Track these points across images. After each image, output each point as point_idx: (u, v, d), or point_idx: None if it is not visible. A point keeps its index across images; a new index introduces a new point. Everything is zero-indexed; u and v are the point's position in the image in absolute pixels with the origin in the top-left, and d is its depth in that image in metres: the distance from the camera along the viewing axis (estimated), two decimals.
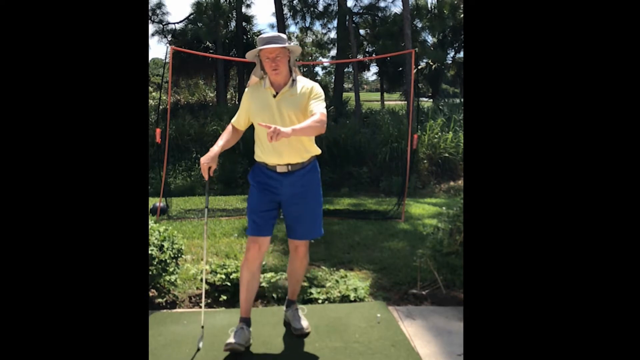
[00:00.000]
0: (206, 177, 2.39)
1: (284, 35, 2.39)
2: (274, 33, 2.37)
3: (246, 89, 2.51)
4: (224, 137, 2.50)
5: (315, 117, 2.26)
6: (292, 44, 2.41)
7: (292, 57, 2.41)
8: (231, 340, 2.36)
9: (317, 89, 2.42)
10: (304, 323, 2.61)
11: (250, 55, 2.41)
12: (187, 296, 3.13)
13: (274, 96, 2.38)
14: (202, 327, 2.51)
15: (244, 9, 16.44)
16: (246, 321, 2.48)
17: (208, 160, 2.36)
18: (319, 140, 2.55)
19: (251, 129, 2.59)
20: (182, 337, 2.54)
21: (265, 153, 2.44)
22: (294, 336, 2.58)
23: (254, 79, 2.47)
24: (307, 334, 2.57)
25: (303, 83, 2.43)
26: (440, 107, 12.55)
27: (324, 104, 2.40)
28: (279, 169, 2.43)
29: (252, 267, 2.46)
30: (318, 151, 2.52)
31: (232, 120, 2.56)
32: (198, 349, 2.42)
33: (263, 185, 2.47)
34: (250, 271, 2.46)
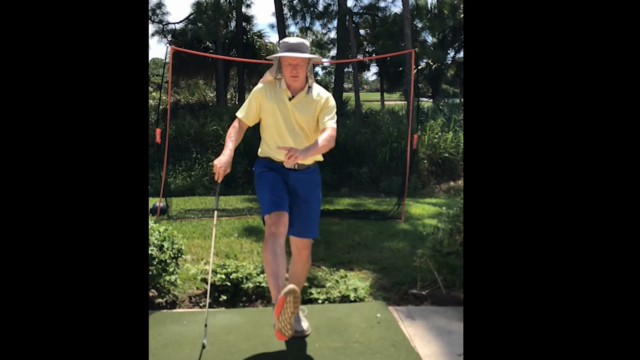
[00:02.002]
0: (220, 180, 2.41)
1: (307, 43, 2.42)
2: (298, 40, 2.40)
3: (259, 85, 2.52)
4: (233, 136, 2.47)
5: (325, 134, 2.38)
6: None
7: (311, 65, 2.47)
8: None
9: (332, 101, 2.50)
10: (304, 325, 2.61)
11: (271, 57, 2.46)
12: (187, 296, 3.13)
13: (290, 99, 2.44)
14: (206, 325, 2.51)
15: (244, 9, 16.42)
16: None
17: (224, 164, 2.36)
18: None
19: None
20: (182, 337, 2.54)
21: (273, 150, 2.50)
22: (294, 336, 2.58)
23: (268, 76, 2.51)
24: (307, 336, 2.58)
25: (318, 91, 2.50)
26: (440, 107, 12.53)
27: (335, 118, 2.51)
28: (286, 165, 2.47)
29: (278, 239, 2.28)
30: (321, 158, 2.60)
31: (240, 116, 2.53)
32: (204, 346, 2.42)
33: (274, 171, 2.51)
34: (274, 245, 2.25)
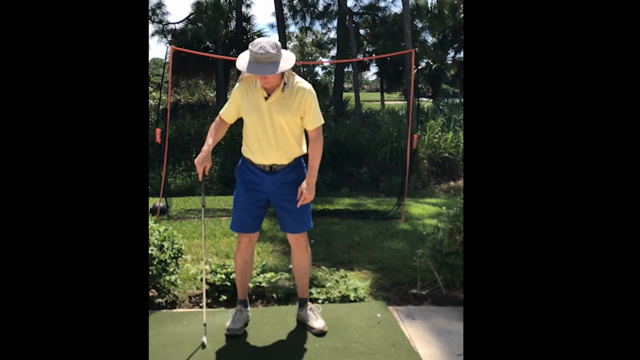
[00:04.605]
0: (200, 178, 2.43)
1: (275, 45, 2.23)
2: (265, 47, 2.20)
3: (238, 83, 2.48)
4: (213, 133, 2.51)
5: (313, 145, 2.44)
6: (286, 52, 2.31)
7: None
8: (230, 326, 2.57)
9: (312, 96, 2.40)
10: (321, 322, 2.62)
11: (240, 64, 2.29)
12: (187, 296, 3.13)
13: (266, 99, 2.37)
14: (205, 324, 2.52)
15: (244, 9, 16.42)
16: (243, 302, 2.72)
17: (202, 161, 2.39)
18: None
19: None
20: (182, 337, 2.54)
21: (252, 151, 2.49)
22: (294, 336, 2.58)
23: (245, 73, 2.41)
24: (324, 333, 2.58)
25: (296, 87, 2.39)
26: (440, 107, 12.56)
27: (319, 114, 2.44)
28: (265, 169, 2.48)
29: (245, 256, 2.64)
30: (303, 152, 2.56)
31: (221, 113, 2.53)
32: (204, 346, 2.43)
33: (248, 184, 2.52)
34: (243, 260, 2.65)
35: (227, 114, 2.52)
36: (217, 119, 2.54)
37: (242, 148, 2.55)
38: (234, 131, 8.40)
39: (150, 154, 6.93)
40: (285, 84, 2.36)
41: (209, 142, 2.45)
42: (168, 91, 7.62)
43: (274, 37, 2.37)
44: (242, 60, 2.30)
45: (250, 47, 2.26)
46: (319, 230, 4.76)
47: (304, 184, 2.44)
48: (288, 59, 2.29)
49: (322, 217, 5.42)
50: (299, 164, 2.54)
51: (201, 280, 3.25)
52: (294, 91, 2.38)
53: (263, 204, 2.56)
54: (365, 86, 46.38)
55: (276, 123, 2.39)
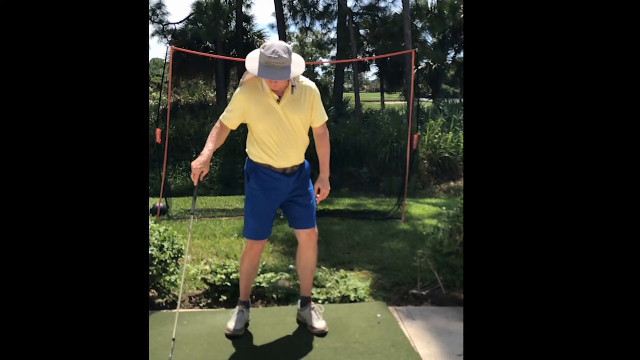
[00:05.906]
0: (196, 182, 2.31)
1: (287, 49, 2.22)
2: (278, 52, 2.19)
3: (241, 88, 2.42)
4: (215, 138, 2.41)
5: (322, 142, 2.54)
6: (296, 56, 2.32)
7: None
8: (232, 326, 2.57)
9: (315, 94, 2.46)
10: (322, 323, 2.62)
11: (250, 67, 2.25)
12: (187, 296, 3.13)
13: (278, 101, 2.36)
14: (174, 339, 2.31)
15: (244, 9, 16.42)
16: (246, 304, 2.71)
17: (201, 165, 2.29)
18: None
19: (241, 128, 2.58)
20: (182, 337, 2.54)
21: (273, 157, 2.42)
22: (294, 336, 2.58)
23: (249, 76, 2.39)
24: (325, 334, 2.58)
25: (302, 86, 2.41)
26: (440, 107, 12.56)
27: (324, 110, 2.51)
28: (287, 171, 2.47)
29: (254, 261, 2.66)
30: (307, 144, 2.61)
31: (223, 119, 2.43)
32: None
33: (270, 191, 2.47)
34: (251, 264, 2.66)
35: (231, 120, 2.42)
36: (218, 124, 2.44)
37: (254, 155, 2.47)
38: (234, 131, 8.42)
39: (150, 154, 6.93)
40: (293, 85, 2.37)
41: (209, 147, 2.36)
42: (168, 91, 7.62)
43: (281, 41, 2.33)
44: (252, 63, 2.25)
45: (261, 50, 2.22)
46: (319, 230, 4.73)
47: (319, 181, 2.52)
48: (299, 64, 2.30)
49: (322, 217, 5.42)
50: (305, 163, 2.60)
51: (201, 280, 3.25)
52: (302, 90, 2.41)
53: (277, 206, 2.58)
54: (365, 86, 46.40)
55: (293, 123, 2.40)
